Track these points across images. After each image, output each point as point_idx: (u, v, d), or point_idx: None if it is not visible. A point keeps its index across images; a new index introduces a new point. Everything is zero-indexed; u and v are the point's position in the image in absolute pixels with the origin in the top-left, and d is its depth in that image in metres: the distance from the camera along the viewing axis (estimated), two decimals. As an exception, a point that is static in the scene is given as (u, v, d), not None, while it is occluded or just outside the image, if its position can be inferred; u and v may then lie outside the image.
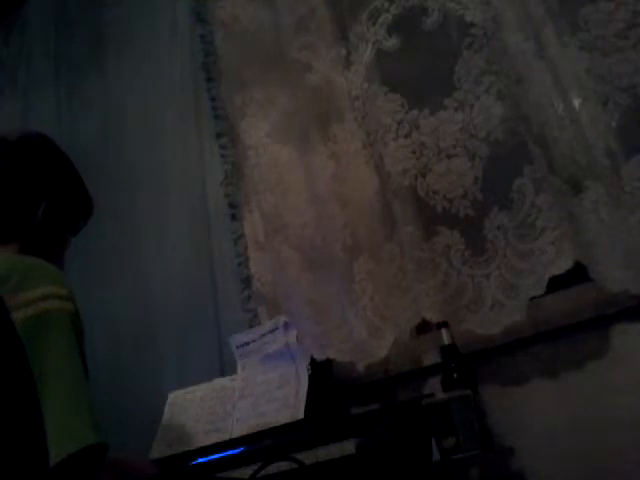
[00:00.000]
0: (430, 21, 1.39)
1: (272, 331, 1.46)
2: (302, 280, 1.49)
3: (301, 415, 1.28)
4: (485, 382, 1.32)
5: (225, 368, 1.64)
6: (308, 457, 1.03)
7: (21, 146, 1.19)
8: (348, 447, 1.02)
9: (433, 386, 1.37)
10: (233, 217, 1.76)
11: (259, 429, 1.32)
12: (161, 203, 1.97)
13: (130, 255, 2.00)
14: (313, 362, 1.38)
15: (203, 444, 1.37)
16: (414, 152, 1.36)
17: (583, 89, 1.21)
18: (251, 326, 1.62)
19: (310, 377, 1.35)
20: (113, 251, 2.04)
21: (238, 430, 1.36)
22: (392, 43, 1.44)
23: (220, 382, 1.51)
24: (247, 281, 1.69)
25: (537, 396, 1.30)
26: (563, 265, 1.18)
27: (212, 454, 1.29)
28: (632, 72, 1.16)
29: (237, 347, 1.51)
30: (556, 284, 1.24)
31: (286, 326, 1.44)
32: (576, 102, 1.22)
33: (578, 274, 1.23)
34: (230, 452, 1.27)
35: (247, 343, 1.49)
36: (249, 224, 1.73)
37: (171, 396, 1.55)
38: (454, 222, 1.30)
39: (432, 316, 1.30)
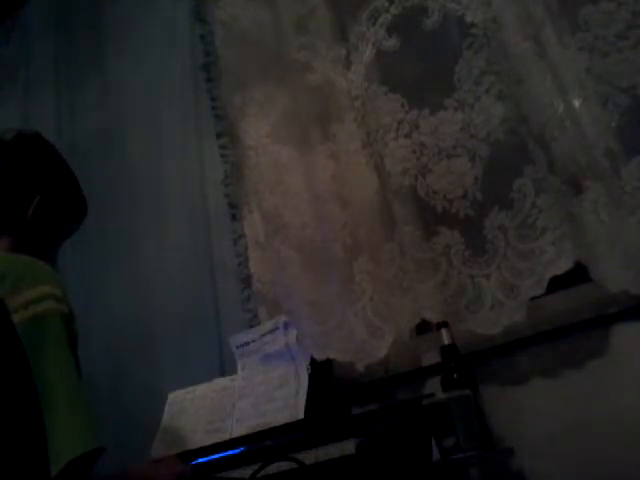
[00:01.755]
0: (430, 21, 1.39)
1: (272, 331, 1.46)
2: (302, 280, 1.48)
3: (301, 415, 1.28)
4: (485, 382, 1.32)
5: (225, 368, 1.64)
6: (308, 457, 1.03)
7: (16, 144, 1.20)
8: (348, 447, 1.02)
9: (433, 386, 1.37)
10: (233, 217, 1.76)
11: (259, 429, 1.32)
12: (161, 203, 1.97)
13: (130, 255, 2.00)
14: (313, 362, 1.38)
15: (203, 444, 1.37)
16: (414, 152, 1.36)
17: (583, 89, 1.21)
18: (251, 326, 1.62)
19: (310, 377, 1.35)
20: (113, 251, 2.04)
21: (238, 430, 1.36)
22: (392, 43, 1.44)
23: (220, 382, 1.51)
24: (247, 281, 1.69)
25: (537, 396, 1.30)
26: (563, 265, 1.18)
27: (212, 454, 1.29)
28: (632, 72, 1.17)
29: (237, 347, 1.50)
30: (556, 284, 1.24)
31: (286, 326, 1.44)
32: (576, 102, 1.22)
33: (578, 274, 1.23)
34: (230, 452, 1.27)
35: (247, 343, 1.49)
36: (249, 224, 1.72)
37: (171, 396, 1.55)
38: (454, 222, 1.30)
39: (432, 316, 1.30)
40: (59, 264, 1.29)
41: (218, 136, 1.84)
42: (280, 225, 1.53)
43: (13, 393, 0.90)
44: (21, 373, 0.90)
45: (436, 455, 1.22)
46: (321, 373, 1.38)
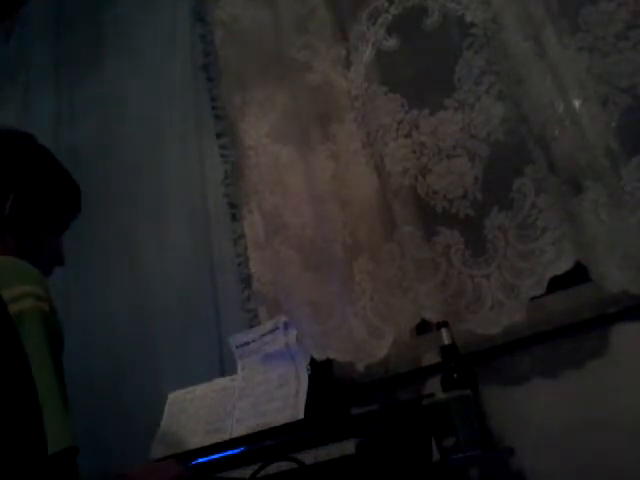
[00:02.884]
0: (430, 21, 1.39)
1: (272, 331, 1.46)
2: (302, 280, 1.49)
3: (301, 415, 1.28)
4: (485, 382, 1.32)
5: (225, 368, 1.64)
6: (308, 457, 1.03)
7: None
8: (348, 447, 1.02)
9: (433, 386, 1.37)
10: (233, 217, 1.76)
11: (259, 429, 1.32)
12: (161, 203, 1.97)
13: (130, 255, 2.00)
14: (313, 362, 1.38)
15: (203, 444, 1.38)
16: (414, 152, 1.36)
17: (583, 89, 1.21)
18: (251, 326, 1.62)
19: (310, 377, 1.35)
20: (113, 251, 2.04)
21: (238, 430, 1.36)
22: (392, 43, 1.44)
23: (220, 382, 1.51)
24: (247, 281, 1.69)
25: (537, 396, 1.30)
26: (563, 265, 1.18)
27: (212, 454, 1.29)
28: (632, 72, 1.16)
29: (237, 347, 1.51)
30: (556, 284, 1.24)
31: (286, 326, 1.44)
32: (576, 102, 1.22)
33: (578, 274, 1.23)
34: (230, 452, 1.27)
35: (247, 343, 1.49)
36: (249, 224, 1.72)
37: (171, 396, 1.55)
38: (454, 222, 1.30)
39: (432, 316, 1.30)
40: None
41: (218, 136, 1.84)
42: (280, 225, 1.53)
43: (15, 388, 0.90)
44: (21, 367, 0.90)
45: (436, 455, 1.22)
46: (321, 373, 1.38)
